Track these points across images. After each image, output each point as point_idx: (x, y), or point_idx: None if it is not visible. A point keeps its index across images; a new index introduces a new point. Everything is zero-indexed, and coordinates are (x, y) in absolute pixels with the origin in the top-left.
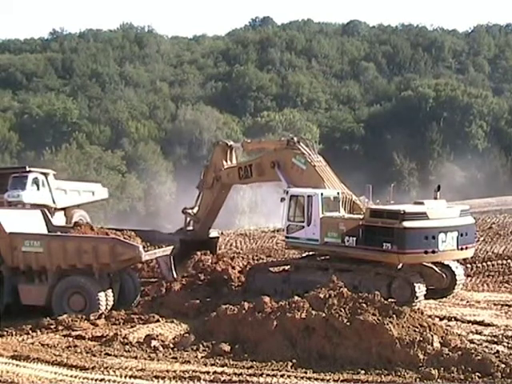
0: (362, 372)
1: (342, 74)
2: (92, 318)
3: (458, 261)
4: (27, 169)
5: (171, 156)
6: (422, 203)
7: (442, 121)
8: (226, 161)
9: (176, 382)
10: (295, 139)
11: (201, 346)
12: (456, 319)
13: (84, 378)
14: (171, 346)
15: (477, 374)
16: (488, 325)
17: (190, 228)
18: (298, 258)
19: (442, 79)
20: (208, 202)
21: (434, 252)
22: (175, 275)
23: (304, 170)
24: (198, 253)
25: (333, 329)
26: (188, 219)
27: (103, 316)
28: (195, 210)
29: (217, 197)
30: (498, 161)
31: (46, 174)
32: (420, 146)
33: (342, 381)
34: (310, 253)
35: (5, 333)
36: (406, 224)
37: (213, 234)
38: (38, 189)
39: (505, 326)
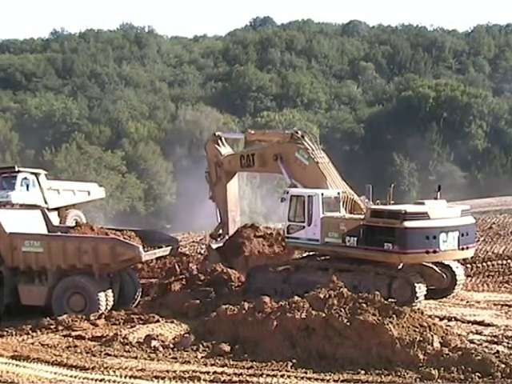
0: (362, 372)
1: (341, 74)
2: (92, 318)
3: (458, 261)
4: (16, 169)
5: (171, 156)
6: (422, 203)
7: (442, 121)
8: (220, 146)
9: (176, 382)
10: (299, 133)
11: (201, 346)
12: (456, 319)
13: (84, 378)
14: (171, 346)
15: (477, 374)
16: (488, 325)
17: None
18: (298, 258)
19: (442, 79)
20: (223, 196)
21: (435, 252)
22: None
23: (307, 165)
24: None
25: (333, 329)
26: (218, 232)
27: (103, 316)
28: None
29: (228, 185)
30: (497, 161)
31: (36, 174)
32: (420, 146)
33: (341, 381)
34: (311, 253)
35: (5, 333)
36: (407, 224)
37: None
38: (28, 189)
39: (505, 326)
